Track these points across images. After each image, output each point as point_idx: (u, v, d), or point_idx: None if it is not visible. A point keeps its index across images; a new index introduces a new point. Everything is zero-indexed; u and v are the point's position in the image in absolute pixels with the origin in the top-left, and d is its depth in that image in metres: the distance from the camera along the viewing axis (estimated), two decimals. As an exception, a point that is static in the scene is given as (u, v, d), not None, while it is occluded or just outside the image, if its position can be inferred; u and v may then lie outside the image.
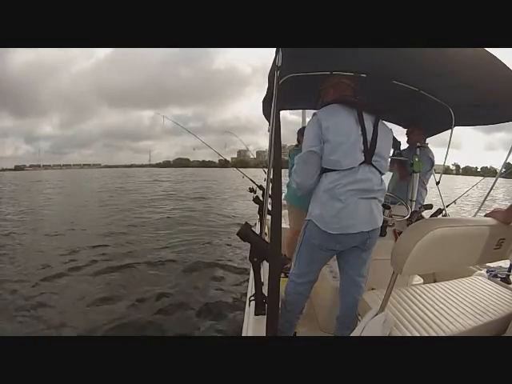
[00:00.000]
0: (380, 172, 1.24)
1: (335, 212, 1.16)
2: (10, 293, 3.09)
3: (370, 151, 1.19)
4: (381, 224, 1.25)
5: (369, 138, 1.20)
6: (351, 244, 1.22)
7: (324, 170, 1.21)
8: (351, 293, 1.32)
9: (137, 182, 24.68)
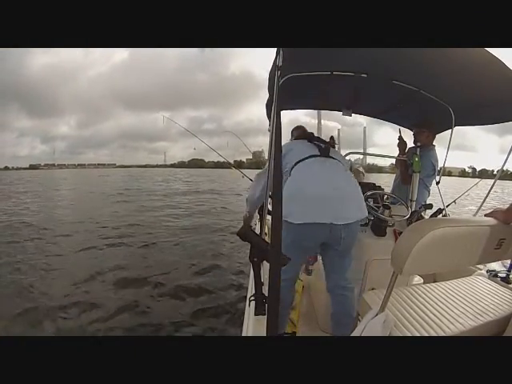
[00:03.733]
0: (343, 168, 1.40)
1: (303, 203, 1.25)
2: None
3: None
4: (357, 219, 1.30)
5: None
6: (320, 238, 1.28)
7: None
8: (339, 292, 1.37)
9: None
